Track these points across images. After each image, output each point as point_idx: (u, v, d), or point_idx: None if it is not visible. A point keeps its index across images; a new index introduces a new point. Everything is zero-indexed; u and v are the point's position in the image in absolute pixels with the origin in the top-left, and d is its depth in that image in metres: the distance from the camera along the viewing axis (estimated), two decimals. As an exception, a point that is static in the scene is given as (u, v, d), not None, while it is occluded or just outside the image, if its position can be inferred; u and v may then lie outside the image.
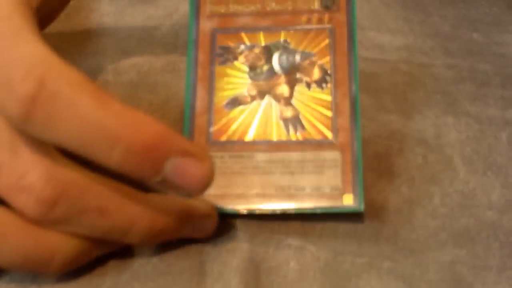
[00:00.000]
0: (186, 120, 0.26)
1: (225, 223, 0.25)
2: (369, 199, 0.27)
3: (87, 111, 0.19)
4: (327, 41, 0.27)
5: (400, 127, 0.30)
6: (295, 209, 0.24)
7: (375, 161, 0.28)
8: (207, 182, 0.21)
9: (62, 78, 0.19)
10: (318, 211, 0.24)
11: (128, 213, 0.21)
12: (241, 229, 0.25)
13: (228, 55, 0.27)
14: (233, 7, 0.28)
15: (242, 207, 0.25)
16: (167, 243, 0.24)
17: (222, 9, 0.28)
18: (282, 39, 0.27)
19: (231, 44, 0.27)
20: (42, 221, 0.21)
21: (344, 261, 0.24)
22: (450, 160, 0.29)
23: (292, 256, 0.24)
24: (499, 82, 0.34)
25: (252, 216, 0.25)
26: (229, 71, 0.27)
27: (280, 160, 0.25)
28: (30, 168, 0.20)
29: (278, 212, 0.24)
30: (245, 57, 0.27)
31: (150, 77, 0.32)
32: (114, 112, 0.19)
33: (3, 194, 0.21)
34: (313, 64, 0.27)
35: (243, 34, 0.28)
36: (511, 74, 0.34)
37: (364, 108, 0.31)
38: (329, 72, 0.27)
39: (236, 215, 0.25)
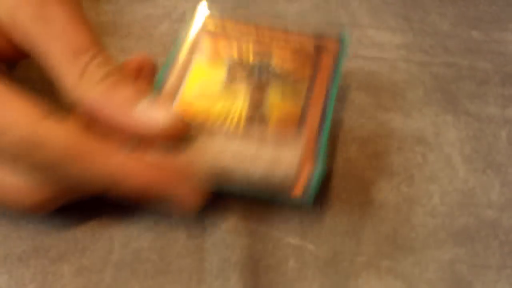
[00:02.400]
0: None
1: (223, 217, 0.25)
2: (369, 197, 0.27)
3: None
4: (311, 67, 0.28)
5: (399, 126, 0.30)
6: (241, 190, 0.24)
7: (374, 159, 0.28)
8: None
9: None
10: (265, 196, 0.24)
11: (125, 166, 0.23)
12: (241, 224, 0.25)
13: (215, 52, 0.28)
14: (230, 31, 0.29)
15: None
16: (167, 243, 0.24)
17: (222, 28, 0.29)
18: (267, 60, 0.28)
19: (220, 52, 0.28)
20: None
21: (343, 260, 0.24)
22: (450, 159, 0.29)
23: (291, 255, 0.24)
24: (498, 80, 0.34)
25: (250, 213, 0.25)
26: (211, 64, 0.28)
27: (235, 149, 0.25)
28: None
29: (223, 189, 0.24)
30: (229, 60, 0.28)
31: (149, 75, 0.32)
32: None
33: None
34: (291, 77, 0.28)
35: (233, 44, 0.28)
36: (511, 72, 0.34)
37: (363, 107, 0.31)
38: (306, 78, 0.27)
39: None
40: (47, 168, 0.22)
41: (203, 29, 0.29)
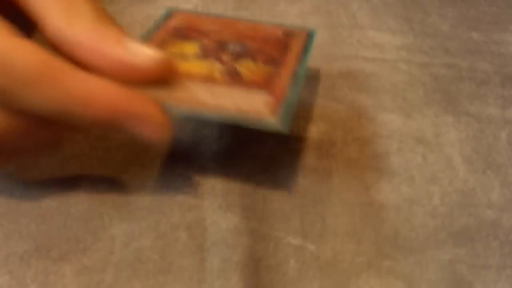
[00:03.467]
0: None
1: (224, 217, 0.25)
2: (369, 198, 0.27)
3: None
4: (280, 47, 0.29)
5: (399, 126, 0.30)
6: (215, 116, 0.24)
7: (374, 160, 0.28)
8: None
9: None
10: (239, 121, 0.24)
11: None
12: (241, 224, 0.25)
13: (184, 37, 0.29)
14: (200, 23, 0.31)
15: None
16: (168, 243, 0.24)
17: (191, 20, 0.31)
18: (237, 40, 0.29)
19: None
20: None
21: (343, 260, 0.24)
22: (450, 159, 0.29)
23: (292, 255, 0.24)
24: (498, 81, 0.34)
25: (251, 212, 0.25)
26: (182, 43, 0.28)
27: (207, 87, 0.25)
28: None
29: (194, 113, 0.24)
30: (200, 40, 0.29)
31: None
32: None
33: None
34: (263, 52, 0.28)
35: (203, 33, 0.29)
36: (511, 73, 0.34)
37: (364, 108, 0.31)
38: (276, 58, 0.28)
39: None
40: (13, 90, 0.20)
41: (172, 23, 0.30)
